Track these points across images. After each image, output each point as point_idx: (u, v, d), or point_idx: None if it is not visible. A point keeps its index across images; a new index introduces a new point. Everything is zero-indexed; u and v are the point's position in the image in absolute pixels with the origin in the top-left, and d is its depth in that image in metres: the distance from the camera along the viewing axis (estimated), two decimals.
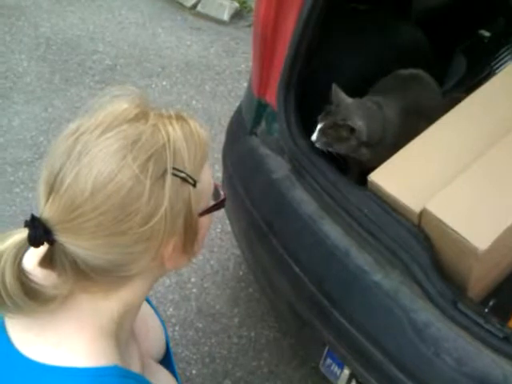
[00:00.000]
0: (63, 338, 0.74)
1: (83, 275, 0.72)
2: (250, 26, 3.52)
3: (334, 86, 1.42)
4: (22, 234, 0.69)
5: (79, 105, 2.88)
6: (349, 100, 1.44)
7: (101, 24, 3.48)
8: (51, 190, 0.70)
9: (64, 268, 0.72)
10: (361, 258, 1.22)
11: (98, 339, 0.76)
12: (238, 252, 2.18)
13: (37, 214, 0.71)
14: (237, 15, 3.55)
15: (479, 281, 1.17)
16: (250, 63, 3.15)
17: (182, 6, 3.64)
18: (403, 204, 1.20)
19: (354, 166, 1.56)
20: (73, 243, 0.69)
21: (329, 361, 1.37)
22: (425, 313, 1.10)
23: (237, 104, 2.98)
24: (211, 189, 0.83)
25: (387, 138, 1.44)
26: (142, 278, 0.78)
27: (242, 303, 2.04)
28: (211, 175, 0.81)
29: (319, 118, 1.40)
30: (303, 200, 1.37)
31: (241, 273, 2.16)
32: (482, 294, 1.21)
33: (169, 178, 0.71)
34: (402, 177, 1.26)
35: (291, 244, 1.36)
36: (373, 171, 1.28)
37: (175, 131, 0.73)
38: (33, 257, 0.74)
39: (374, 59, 1.69)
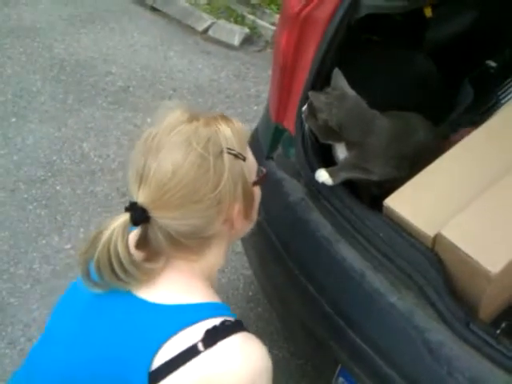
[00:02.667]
0: (178, 288, 0.96)
1: (175, 242, 0.92)
2: (259, 51, 3.61)
3: (336, 71, 1.43)
4: (124, 216, 0.87)
5: (92, 125, 2.95)
6: (347, 89, 1.43)
7: (114, 46, 3.57)
8: (141, 179, 0.91)
9: (157, 242, 0.92)
10: (376, 280, 1.26)
11: (204, 287, 0.98)
12: (247, 272, 2.22)
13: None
14: (247, 40, 3.63)
15: (491, 303, 1.21)
16: (260, 87, 3.28)
17: (193, 30, 3.73)
18: (418, 228, 1.24)
19: (363, 191, 1.59)
20: (164, 216, 0.90)
21: (341, 379, 1.40)
22: (438, 333, 1.13)
23: (247, 127, 3.05)
24: (255, 167, 1.04)
25: (373, 145, 1.42)
26: (218, 240, 0.99)
27: (251, 323, 2.07)
28: (252, 156, 1.03)
29: (311, 92, 1.40)
30: (319, 223, 1.41)
31: (250, 293, 2.20)
32: (493, 316, 1.25)
33: (225, 155, 0.92)
34: (416, 202, 1.30)
35: (307, 265, 1.40)
36: (388, 196, 1.32)
37: (222, 126, 0.95)
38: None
39: (385, 89, 1.75)
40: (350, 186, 1.48)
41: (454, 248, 1.16)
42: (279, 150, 1.62)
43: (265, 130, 1.70)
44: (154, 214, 0.90)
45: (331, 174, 1.41)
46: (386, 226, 1.29)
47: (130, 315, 0.93)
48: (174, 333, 0.87)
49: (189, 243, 0.95)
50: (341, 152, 1.45)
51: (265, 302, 2.06)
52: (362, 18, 1.43)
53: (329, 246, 1.36)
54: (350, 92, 1.43)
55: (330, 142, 1.45)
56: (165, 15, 3.89)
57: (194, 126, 0.93)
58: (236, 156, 0.95)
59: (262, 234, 1.53)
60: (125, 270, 0.88)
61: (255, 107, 3.10)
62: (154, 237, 0.92)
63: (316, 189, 1.46)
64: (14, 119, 2.97)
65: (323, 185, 1.43)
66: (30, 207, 2.50)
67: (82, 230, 2.39)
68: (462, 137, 1.44)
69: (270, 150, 1.63)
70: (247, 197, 0.99)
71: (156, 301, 0.92)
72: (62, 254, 2.30)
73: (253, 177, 1.02)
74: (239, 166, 0.96)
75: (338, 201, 1.40)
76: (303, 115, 1.43)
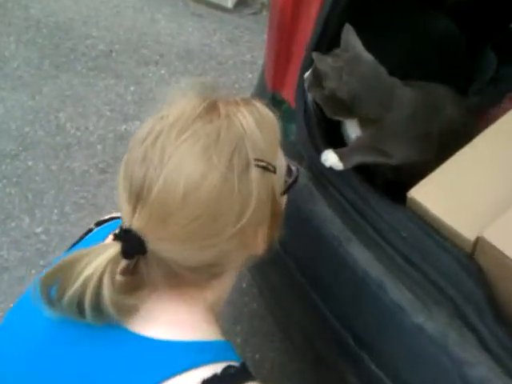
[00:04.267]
0: (171, 319, 0.76)
1: (175, 276, 0.72)
2: (255, 13, 3.31)
3: (347, 27, 1.14)
4: (114, 247, 0.67)
5: (69, 93, 2.67)
6: (361, 51, 1.15)
7: (95, 7, 3.25)
8: (138, 199, 0.68)
9: (151, 276, 0.72)
10: (398, 293, 1.01)
11: (205, 319, 0.79)
12: None
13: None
14: (241, 2, 3.32)
15: None
16: (255, 53, 2.98)
17: None
18: (453, 229, 0.99)
19: (376, 175, 1.34)
20: (167, 250, 0.69)
21: None
22: (479, 366, 0.89)
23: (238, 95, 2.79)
24: (285, 168, 0.85)
25: (393, 122, 1.16)
26: (231, 270, 0.81)
27: (245, 320, 1.84)
28: (282, 154, 0.83)
29: (316, 54, 1.12)
30: (325, 216, 1.16)
31: (244, 285, 1.96)
32: None
33: (253, 170, 0.71)
34: (449, 194, 1.05)
35: (310, 269, 1.16)
36: (409, 184, 1.07)
37: (247, 120, 0.73)
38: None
39: (404, 52, 1.48)
40: (360, 169, 1.23)
41: (499, 256, 0.91)
42: None
43: (260, 98, 1.44)
44: (153, 245, 0.69)
45: (341, 157, 1.16)
46: (411, 224, 1.05)
47: (105, 348, 0.72)
48: (162, 381, 0.67)
49: (193, 278, 0.75)
50: (353, 130, 1.20)
51: (261, 298, 1.82)
52: None
53: (337, 245, 1.12)
54: (365, 54, 1.16)
55: (340, 118, 1.19)
56: None
57: (214, 126, 0.71)
58: (266, 168, 0.73)
59: None
60: (105, 312, 0.68)
61: (250, 75, 2.82)
62: (147, 270, 0.71)
63: (321, 173, 1.21)
64: None
65: (331, 169, 1.17)
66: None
67: (55, 211, 2.14)
68: (503, 111, 1.18)
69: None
70: (275, 216, 0.79)
71: (141, 332, 0.72)
72: (33, 238, 2.05)
73: (282, 183, 0.82)
74: (269, 181, 0.75)
75: (350, 189, 1.16)
76: (306, 84, 1.17)
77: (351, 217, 1.12)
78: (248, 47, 3.03)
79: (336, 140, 1.22)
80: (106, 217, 0.96)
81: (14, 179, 2.25)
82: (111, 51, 2.95)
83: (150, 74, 2.81)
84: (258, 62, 2.90)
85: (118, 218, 0.90)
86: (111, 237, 0.72)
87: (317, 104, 1.20)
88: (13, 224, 2.08)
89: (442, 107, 1.26)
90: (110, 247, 0.68)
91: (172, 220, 0.68)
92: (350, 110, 1.14)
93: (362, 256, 1.08)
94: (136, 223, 0.68)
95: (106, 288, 0.66)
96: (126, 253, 0.68)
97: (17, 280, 1.91)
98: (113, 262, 0.67)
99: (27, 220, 2.10)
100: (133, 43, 3.01)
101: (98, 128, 2.48)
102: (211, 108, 0.73)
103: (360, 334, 1.04)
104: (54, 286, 0.68)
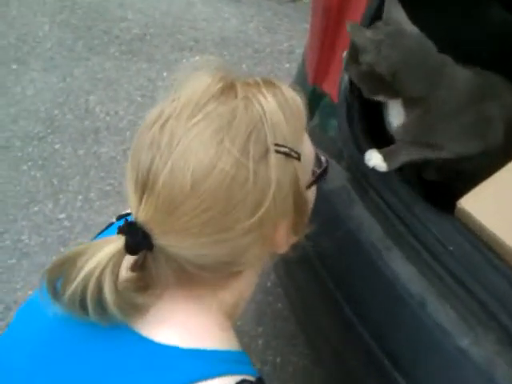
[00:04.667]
0: (182, 324, 0.69)
1: (188, 276, 0.66)
2: (294, 1, 3.19)
3: None
4: (118, 241, 0.61)
5: (101, 76, 2.61)
6: (405, 24, 1.02)
7: None
8: (144, 188, 0.62)
9: (160, 274, 0.65)
10: (441, 313, 0.91)
11: (221, 326, 0.72)
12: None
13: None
14: None
15: None
16: (293, 42, 2.87)
17: None
18: (506, 245, 0.88)
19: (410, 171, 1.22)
20: (175, 245, 0.62)
21: None
22: None
23: None
24: (313, 157, 0.76)
25: (443, 102, 1.02)
26: (251, 269, 0.74)
27: (267, 321, 1.75)
28: (310, 142, 0.74)
29: (351, 25, 0.99)
30: (364, 221, 1.06)
31: (269, 284, 1.87)
32: None
33: (272, 156, 0.63)
34: (504, 206, 0.94)
35: (345, 279, 1.06)
36: (463, 195, 0.97)
37: (268, 101, 0.64)
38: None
39: (457, 43, 1.36)
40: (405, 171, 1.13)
41: None
42: (316, 120, 1.26)
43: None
44: (160, 240, 0.62)
45: (386, 157, 1.05)
46: (459, 237, 0.94)
47: (110, 351, 0.66)
48: None
49: (209, 277, 0.68)
50: (394, 114, 1.06)
51: (286, 299, 1.73)
52: None
53: (376, 255, 1.01)
54: (410, 27, 1.02)
55: (378, 98, 1.05)
56: None
57: (229, 106, 0.63)
58: (288, 155, 0.65)
59: None
60: (108, 310, 0.62)
61: (287, 65, 2.72)
62: (155, 267, 0.64)
63: (361, 174, 1.10)
64: (14, 66, 2.64)
65: (373, 171, 1.07)
66: (24, 167, 2.19)
67: (80, 197, 2.08)
68: None
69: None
70: (299, 208, 0.70)
71: (149, 335, 0.66)
72: (55, 224, 1.99)
73: (308, 175, 0.73)
74: (291, 169, 0.66)
75: (392, 194, 1.05)
76: (344, 61, 1.05)
77: (392, 224, 1.02)
78: (286, 36, 2.92)
79: (380, 140, 1.12)
80: (129, 210, 0.89)
81: (40, 162, 2.21)
82: (145, 35, 2.88)
83: (184, 60, 2.73)
84: (295, 51, 2.79)
85: None
86: None
87: (354, 85, 1.10)
88: (36, 208, 2.03)
89: (501, 93, 1.12)
90: (113, 241, 0.61)
91: (179, 212, 0.61)
92: (390, 87, 1.00)
93: (402, 269, 0.98)
94: (141, 215, 0.62)
95: (107, 285, 0.60)
96: (129, 247, 0.61)
97: (36, 267, 1.85)
98: (116, 257, 0.60)
99: (50, 205, 2.04)
100: (168, 27, 2.93)
101: (128, 113, 2.42)
102: (227, 88, 0.65)
103: (396, 355, 0.94)
104: (59, 279, 0.62)
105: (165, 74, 2.63)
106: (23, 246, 1.93)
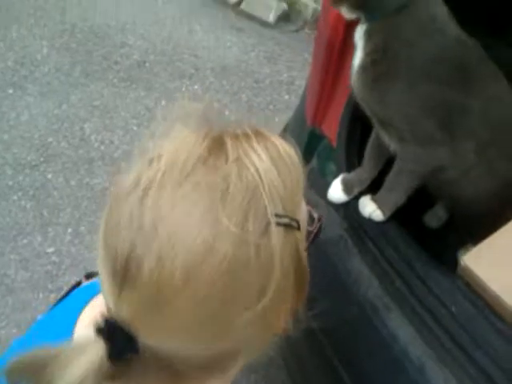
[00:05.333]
0: None
1: (176, 373, 0.55)
2: (297, 31, 3.18)
3: None
4: (96, 348, 0.49)
5: (98, 103, 2.57)
6: None
7: (134, 14, 3.17)
8: (124, 278, 0.51)
9: (146, 376, 0.54)
10: (440, 378, 0.85)
11: None
12: None
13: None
14: (284, 18, 3.20)
15: None
16: (294, 73, 2.83)
17: (224, 2, 3.31)
18: (509, 306, 0.82)
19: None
20: (165, 345, 0.52)
21: None
22: None
23: (276, 119, 2.65)
24: (306, 215, 0.64)
25: (398, 41, 0.87)
26: (247, 356, 0.62)
27: (260, 369, 1.67)
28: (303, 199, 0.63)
29: None
30: (361, 276, 1.00)
31: None
32: None
33: (273, 230, 0.53)
34: (508, 265, 0.88)
35: (339, 338, 0.99)
36: (466, 251, 0.91)
37: (261, 160, 0.55)
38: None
39: None
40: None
41: None
42: (313, 163, 1.21)
43: (297, 132, 1.29)
44: (146, 340, 0.51)
45: (380, 204, 1.00)
46: (462, 298, 0.88)
47: None
48: None
49: (199, 374, 0.58)
50: (357, 54, 0.92)
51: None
52: None
53: (373, 313, 0.95)
54: None
55: (342, 10, 0.90)
56: None
57: (220, 174, 0.52)
58: (289, 225, 0.55)
59: None
60: None
61: (286, 96, 2.68)
62: (141, 369, 0.53)
63: (359, 224, 1.05)
64: (11, 90, 2.60)
65: (370, 220, 1.02)
66: (15, 197, 2.13)
67: (69, 230, 2.01)
68: None
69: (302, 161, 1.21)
70: (301, 280, 0.59)
71: None
72: (43, 258, 1.92)
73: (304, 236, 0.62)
74: (292, 241, 0.56)
75: (391, 247, 0.99)
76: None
77: (392, 281, 0.96)
78: (287, 66, 2.89)
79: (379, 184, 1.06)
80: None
81: (31, 192, 2.14)
82: (145, 62, 2.85)
83: (183, 89, 2.69)
84: (295, 82, 2.76)
85: None
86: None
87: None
88: (24, 241, 1.97)
89: (490, 84, 0.94)
90: (92, 348, 0.50)
91: (170, 307, 0.51)
92: None
93: (401, 330, 0.91)
94: (123, 312, 0.51)
95: None
96: (113, 354, 0.50)
97: (21, 304, 1.78)
98: (96, 368, 0.49)
99: (39, 238, 1.98)
100: (168, 55, 2.90)
101: (123, 143, 2.37)
102: (216, 147, 0.55)
103: None
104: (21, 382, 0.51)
105: (163, 102, 2.59)
106: (9, 282, 1.85)
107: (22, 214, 2.06)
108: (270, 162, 0.56)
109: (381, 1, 0.85)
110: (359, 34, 0.90)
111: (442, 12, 0.87)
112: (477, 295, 0.88)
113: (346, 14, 0.90)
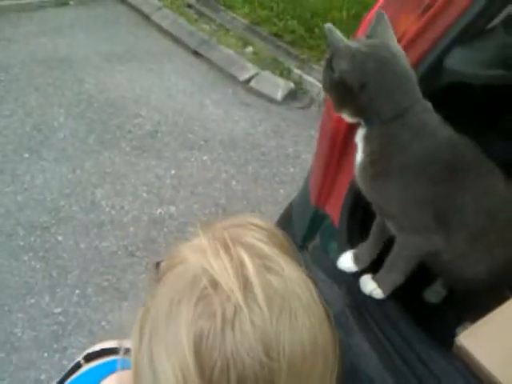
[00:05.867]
0: None
1: None
2: (303, 108, 3.33)
3: (379, 15, 0.96)
4: None
5: (110, 170, 2.67)
6: (390, 41, 0.96)
7: (148, 87, 3.33)
8: None
9: None
10: None
11: None
12: None
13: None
14: (291, 95, 3.36)
15: None
16: (300, 147, 2.96)
17: (235, 79, 3.48)
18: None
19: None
20: None
21: None
22: None
23: (281, 190, 2.74)
24: None
25: (395, 143, 0.95)
26: None
27: None
28: None
29: (328, 26, 0.94)
30: (361, 351, 1.05)
31: None
32: None
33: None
34: (504, 345, 0.93)
35: None
36: (463, 330, 0.96)
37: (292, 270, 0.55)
38: None
39: None
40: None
41: None
42: (316, 240, 1.28)
43: (301, 210, 1.37)
44: None
45: (379, 282, 1.06)
46: (456, 374, 0.93)
47: None
48: None
49: None
50: (358, 153, 1.01)
51: None
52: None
53: None
54: (394, 44, 0.96)
55: (344, 114, 0.99)
56: (207, 61, 3.66)
57: (230, 338, 0.48)
58: None
59: None
60: None
61: (292, 169, 2.79)
62: None
63: (360, 301, 1.10)
64: (27, 154, 2.72)
65: (371, 298, 1.08)
66: (25, 258, 2.19)
67: (77, 291, 2.06)
68: None
69: (305, 238, 1.29)
70: None
71: None
72: (50, 318, 1.96)
73: None
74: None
75: (391, 325, 1.04)
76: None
77: (391, 357, 1.01)
78: (293, 141, 3.02)
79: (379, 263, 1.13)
80: (97, 348, 0.78)
81: (41, 253, 2.21)
82: (157, 132, 2.98)
83: (193, 159, 2.81)
84: (301, 156, 2.87)
85: (109, 351, 0.74)
86: None
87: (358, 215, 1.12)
88: (32, 300, 2.01)
89: (484, 179, 1.01)
90: None
91: None
92: (357, 101, 0.93)
93: None
94: None
95: None
96: None
97: (26, 363, 1.81)
98: None
99: (47, 298, 2.02)
100: (179, 126, 3.04)
101: (133, 209, 2.45)
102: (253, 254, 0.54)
103: None
104: None
105: (173, 171, 2.69)
106: (15, 340, 1.89)
107: (31, 273, 2.12)
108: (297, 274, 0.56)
109: (378, 111, 0.94)
110: (360, 136, 1.00)
111: (432, 118, 0.97)
112: (472, 373, 0.93)
113: (347, 118, 1.00)
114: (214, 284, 0.50)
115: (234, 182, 2.68)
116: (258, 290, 0.50)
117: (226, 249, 0.54)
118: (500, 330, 0.97)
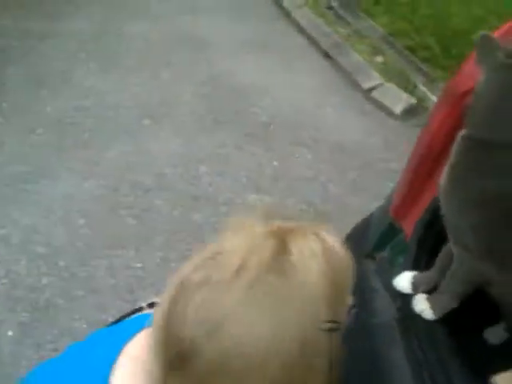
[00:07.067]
0: None
1: None
2: (420, 126, 3.23)
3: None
4: None
5: (219, 151, 2.79)
6: None
7: (273, 80, 3.41)
8: (175, 366, 0.55)
9: None
10: None
11: None
12: None
13: None
14: (411, 111, 3.28)
15: None
16: (404, 164, 2.89)
17: (358, 86, 3.47)
18: None
19: None
20: None
21: None
22: None
23: (375, 203, 2.71)
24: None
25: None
26: None
27: None
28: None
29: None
30: (398, 366, 1.04)
31: None
32: None
33: (322, 336, 0.57)
34: None
35: None
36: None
37: (319, 264, 0.59)
38: None
39: None
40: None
41: None
42: (386, 252, 1.27)
43: (378, 221, 1.37)
44: None
45: (432, 303, 1.05)
46: None
47: None
48: None
49: None
50: None
51: None
52: None
53: None
54: None
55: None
56: (336, 64, 3.67)
57: (284, 281, 0.57)
58: (335, 329, 0.60)
59: None
60: None
61: (391, 184, 2.73)
62: None
63: (411, 318, 1.09)
64: (148, 122, 2.91)
65: (421, 318, 1.06)
66: (122, 213, 2.37)
67: (160, 253, 2.19)
68: None
69: (376, 247, 1.29)
70: (333, 372, 0.61)
71: None
72: (130, 271, 2.12)
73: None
74: (335, 342, 0.60)
75: (432, 347, 1.02)
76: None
77: (422, 378, 0.99)
78: (400, 156, 2.94)
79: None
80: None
81: (137, 212, 2.37)
82: (270, 124, 3.05)
83: (297, 155, 2.85)
84: None
85: None
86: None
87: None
88: (118, 252, 2.18)
89: None
90: None
91: None
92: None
93: None
94: None
95: None
96: None
97: (100, 305, 1.96)
98: None
99: (132, 253, 2.18)
100: (293, 122, 3.09)
101: (230, 190, 2.55)
102: (278, 252, 0.58)
103: None
104: None
105: (275, 163, 2.76)
106: (95, 283, 2.06)
107: (123, 228, 2.29)
108: (326, 267, 0.60)
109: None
110: None
111: None
112: None
113: None
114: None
115: (331, 186, 2.69)
116: (249, 274, 0.56)
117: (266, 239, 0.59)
118: None
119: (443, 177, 0.97)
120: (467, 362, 1.02)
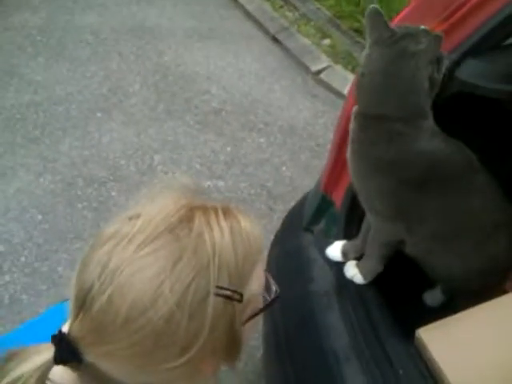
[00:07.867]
0: None
1: None
2: None
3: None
4: (47, 352, 0.62)
5: (171, 139, 2.84)
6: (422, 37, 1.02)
7: (222, 67, 3.47)
8: (81, 306, 0.62)
9: (90, 377, 0.66)
10: None
11: None
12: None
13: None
14: None
15: None
16: None
17: (307, 69, 3.55)
18: (448, 381, 0.93)
19: None
20: (103, 365, 0.64)
21: None
22: None
23: None
24: (262, 287, 0.72)
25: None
26: None
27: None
28: (262, 270, 0.72)
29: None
30: (334, 328, 1.13)
31: None
32: None
33: (211, 299, 0.62)
34: (459, 345, 0.99)
35: (303, 375, 1.12)
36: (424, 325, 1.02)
37: (223, 237, 0.64)
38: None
39: None
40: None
41: None
42: (321, 224, 1.36)
43: (312, 197, 1.45)
44: (88, 357, 0.63)
45: (362, 270, 1.14)
46: (411, 363, 0.99)
47: None
48: None
49: None
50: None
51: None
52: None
53: (334, 363, 1.08)
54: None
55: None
56: (283, 47, 3.75)
57: (179, 247, 0.62)
58: (229, 297, 0.64)
59: (271, 315, 1.28)
60: None
61: None
62: (87, 373, 0.65)
63: (345, 284, 1.19)
64: (99, 114, 2.94)
65: (353, 283, 1.16)
66: (80, 206, 2.41)
67: None
68: None
69: (312, 221, 1.38)
70: (233, 344, 0.67)
71: None
72: None
73: (253, 306, 0.69)
74: (229, 311, 0.64)
75: (363, 308, 1.12)
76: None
77: (357, 340, 1.09)
78: None
79: None
80: None
81: (95, 204, 2.42)
82: (222, 110, 3.11)
83: (250, 140, 2.93)
84: None
85: None
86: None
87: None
88: (77, 245, 2.22)
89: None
90: (43, 351, 0.63)
91: (109, 339, 0.61)
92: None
93: (355, 379, 1.04)
94: (74, 330, 0.63)
95: None
96: (58, 360, 0.62)
97: (62, 298, 2.00)
98: (43, 367, 0.62)
99: None
100: (244, 107, 3.16)
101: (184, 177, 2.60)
102: (186, 219, 0.65)
103: None
104: None
105: (228, 148, 2.83)
106: (56, 277, 2.10)
107: (82, 221, 2.33)
108: (230, 240, 0.64)
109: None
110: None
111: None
112: (425, 365, 0.99)
113: None
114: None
115: (284, 168, 2.78)
116: (152, 230, 0.63)
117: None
118: (463, 330, 1.02)
119: (348, 150, 1.07)
120: (401, 321, 1.12)
